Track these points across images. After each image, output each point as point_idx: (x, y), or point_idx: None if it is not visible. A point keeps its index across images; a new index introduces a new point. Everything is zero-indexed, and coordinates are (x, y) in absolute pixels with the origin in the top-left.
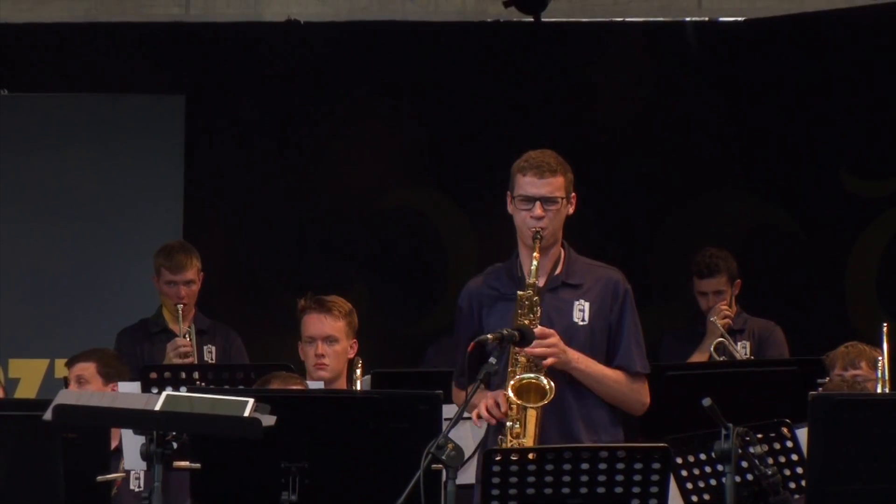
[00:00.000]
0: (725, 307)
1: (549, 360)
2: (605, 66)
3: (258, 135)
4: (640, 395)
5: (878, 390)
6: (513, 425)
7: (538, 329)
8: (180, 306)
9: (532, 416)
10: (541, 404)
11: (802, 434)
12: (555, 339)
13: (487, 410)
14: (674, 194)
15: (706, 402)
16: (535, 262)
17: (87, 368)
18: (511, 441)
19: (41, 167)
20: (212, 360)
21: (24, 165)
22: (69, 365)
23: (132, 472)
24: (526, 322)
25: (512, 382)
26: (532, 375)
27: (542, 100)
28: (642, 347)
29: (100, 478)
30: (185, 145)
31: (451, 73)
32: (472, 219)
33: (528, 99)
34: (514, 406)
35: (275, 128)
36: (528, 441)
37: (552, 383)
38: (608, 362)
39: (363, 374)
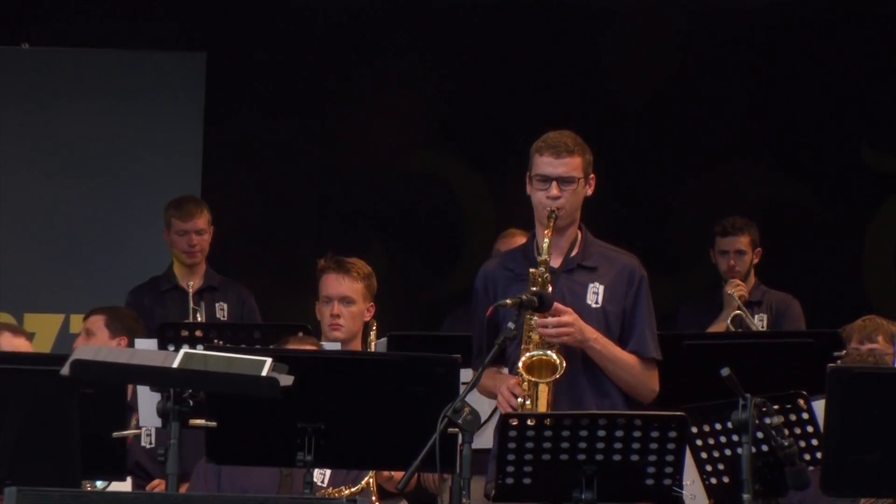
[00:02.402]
0: (739, 280)
1: (564, 339)
2: (624, 37)
3: (278, 95)
4: (651, 381)
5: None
6: (524, 401)
7: (555, 306)
8: (191, 284)
9: (543, 391)
10: (552, 379)
11: (817, 406)
12: (570, 317)
13: (507, 402)
14: (691, 166)
15: (724, 371)
16: (546, 240)
17: (97, 321)
18: None
19: (60, 122)
20: (223, 317)
21: (44, 120)
22: (84, 318)
23: (143, 429)
24: None
25: (523, 359)
26: (542, 352)
27: (562, 67)
28: (655, 334)
29: (115, 434)
30: (206, 103)
31: (473, 39)
32: (491, 184)
33: (548, 66)
34: (526, 382)
35: (295, 88)
36: None
37: (562, 359)
38: (621, 347)
39: (378, 336)
